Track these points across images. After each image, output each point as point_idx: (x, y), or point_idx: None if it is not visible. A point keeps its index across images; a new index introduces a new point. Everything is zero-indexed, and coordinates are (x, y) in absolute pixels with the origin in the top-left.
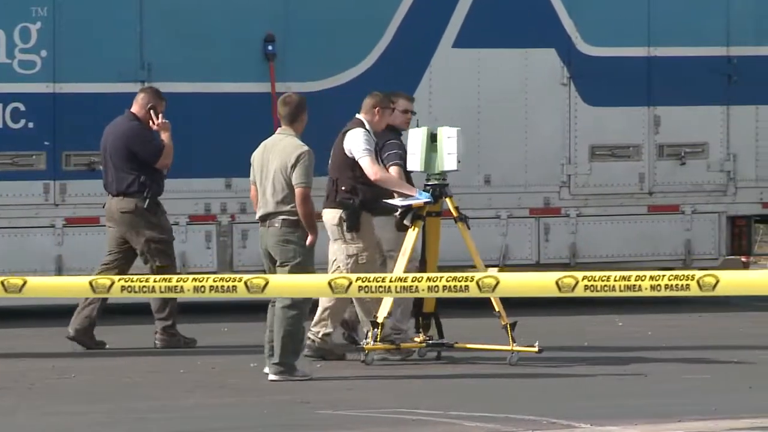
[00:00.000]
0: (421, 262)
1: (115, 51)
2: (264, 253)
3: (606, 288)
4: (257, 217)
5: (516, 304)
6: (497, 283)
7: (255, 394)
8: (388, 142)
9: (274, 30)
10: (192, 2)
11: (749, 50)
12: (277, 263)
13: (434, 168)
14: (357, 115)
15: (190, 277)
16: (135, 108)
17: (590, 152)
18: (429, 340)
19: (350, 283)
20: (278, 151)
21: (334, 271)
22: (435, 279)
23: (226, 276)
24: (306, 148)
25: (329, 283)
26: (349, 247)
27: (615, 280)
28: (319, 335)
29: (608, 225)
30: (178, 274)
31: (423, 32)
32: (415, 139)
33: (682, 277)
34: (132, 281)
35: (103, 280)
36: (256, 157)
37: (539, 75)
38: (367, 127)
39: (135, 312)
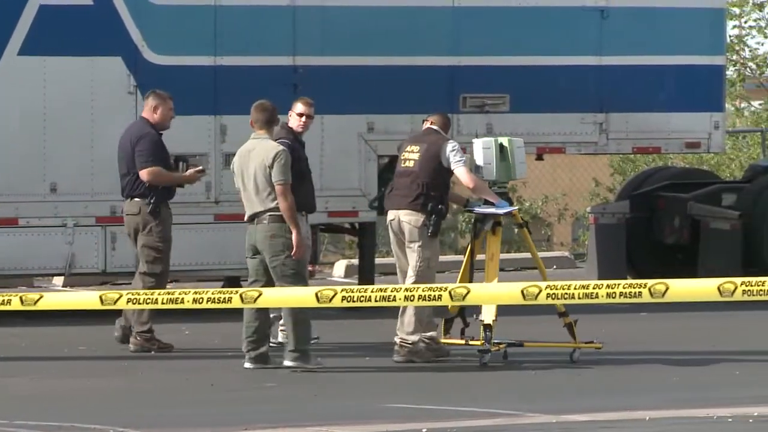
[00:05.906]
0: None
1: None
2: (249, 248)
3: (761, 293)
4: (246, 218)
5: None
6: (667, 288)
7: None
8: (279, 139)
9: None
10: None
11: (315, 60)
12: (268, 258)
13: (505, 176)
14: (431, 126)
15: (384, 287)
16: (146, 113)
17: None
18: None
19: (540, 291)
20: (256, 154)
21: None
22: (613, 286)
23: (434, 286)
24: (281, 147)
25: (522, 291)
26: (424, 251)
27: None
28: (408, 341)
29: (176, 233)
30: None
31: None
32: (487, 150)
33: None
34: (352, 291)
35: (327, 292)
36: (236, 163)
37: (106, 83)
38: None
39: None
